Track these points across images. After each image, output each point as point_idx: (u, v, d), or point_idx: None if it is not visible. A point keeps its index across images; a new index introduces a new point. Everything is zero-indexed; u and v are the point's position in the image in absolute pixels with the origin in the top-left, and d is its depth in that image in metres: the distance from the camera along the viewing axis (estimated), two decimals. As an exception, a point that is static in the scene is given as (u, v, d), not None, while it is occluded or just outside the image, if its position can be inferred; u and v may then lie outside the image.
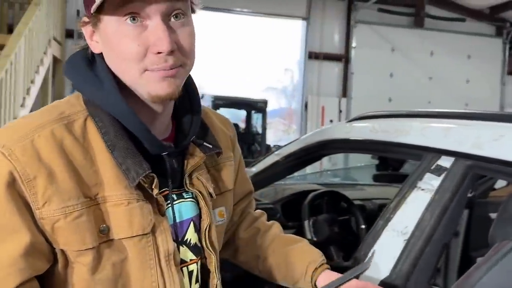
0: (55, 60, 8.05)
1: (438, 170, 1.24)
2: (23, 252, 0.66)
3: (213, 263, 0.85)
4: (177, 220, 0.80)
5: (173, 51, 0.70)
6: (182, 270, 0.80)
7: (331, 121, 10.54)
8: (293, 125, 11.79)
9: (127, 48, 0.69)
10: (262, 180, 1.99)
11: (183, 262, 0.81)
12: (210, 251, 0.85)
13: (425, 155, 1.30)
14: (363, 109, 9.06)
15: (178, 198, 0.82)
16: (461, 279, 0.97)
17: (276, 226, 1.13)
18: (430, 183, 1.23)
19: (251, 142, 9.16)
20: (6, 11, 8.48)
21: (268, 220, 2.10)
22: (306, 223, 2.00)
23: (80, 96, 0.76)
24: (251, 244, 1.08)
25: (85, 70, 0.75)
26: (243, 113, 9.81)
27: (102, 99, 0.73)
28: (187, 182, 0.82)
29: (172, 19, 0.71)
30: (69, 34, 8.70)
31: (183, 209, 0.82)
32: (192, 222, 0.83)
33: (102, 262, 0.71)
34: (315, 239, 2.00)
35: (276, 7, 10.28)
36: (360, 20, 10.35)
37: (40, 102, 7.43)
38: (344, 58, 10.62)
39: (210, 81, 9.61)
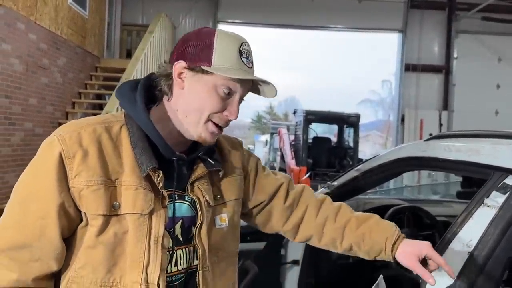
0: (165, 80, 8.88)
1: (504, 188, 1.31)
2: (57, 208, 0.92)
3: (199, 254, 1.05)
4: (175, 215, 1.02)
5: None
6: (168, 253, 1.00)
7: (430, 134, 9.98)
8: (390, 137, 11.39)
9: (214, 103, 0.98)
10: (341, 194, 2.12)
11: (168, 247, 1.01)
12: (197, 245, 1.04)
13: (493, 173, 1.37)
14: (466, 122, 8.59)
15: (179, 199, 1.04)
16: None
17: (344, 207, 1.27)
18: (496, 200, 1.30)
19: (342, 156, 9.12)
20: (125, 38, 9.65)
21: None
22: (386, 235, 2.10)
23: (123, 112, 1.04)
24: (326, 229, 1.24)
25: (127, 92, 1.04)
26: (335, 127, 9.81)
27: (134, 113, 1.01)
28: (189, 188, 1.05)
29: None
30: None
31: (180, 208, 1.04)
32: (181, 220, 1.04)
33: (107, 228, 0.94)
34: (394, 251, 2.09)
35: (371, 21, 10.22)
36: (462, 30, 9.84)
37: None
38: (444, 70, 10.16)
39: (306, 96, 9.84)
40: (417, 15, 10.04)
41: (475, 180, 2.27)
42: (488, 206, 1.31)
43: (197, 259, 1.05)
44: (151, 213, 0.97)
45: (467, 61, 9.86)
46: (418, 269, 1.10)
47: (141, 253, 0.96)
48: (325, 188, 2.21)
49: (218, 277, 1.09)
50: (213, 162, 1.08)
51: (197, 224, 1.05)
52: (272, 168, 11.47)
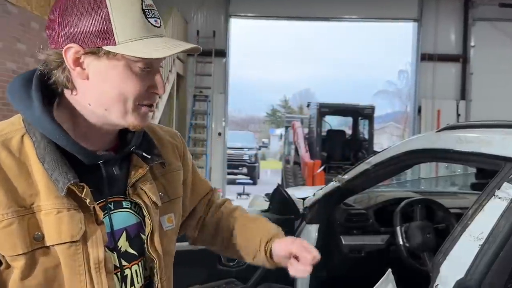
0: (178, 76, 8.97)
1: (516, 180, 1.29)
2: None
3: (155, 266, 0.89)
4: (114, 229, 0.84)
5: None
6: (117, 275, 0.84)
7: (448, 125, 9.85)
8: (408, 129, 11.25)
9: (135, 86, 0.79)
10: (353, 187, 2.11)
11: (116, 268, 0.84)
12: (153, 256, 0.89)
13: (505, 164, 1.34)
14: (484, 112, 8.39)
15: (115, 208, 0.85)
16: None
17: (239, 209, 1.18)
18: (507, 191, 1.27)
19: (357, 148, 9.05)
20: (138, 35, 9.69)
21: (361, 225, 2.23)
22: (398, 229, 2.09)
23: (21, 116, 0.81)
24: (218, 228, 1.13)
25: (19, 90, 0.80)
26: (350, 119, 9.75)
27: (31, 117, 0.78)
28: (130, 192, 0.87)
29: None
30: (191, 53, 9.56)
31: (119, 218, 0.85)
32: (125, 231, 0.86)
33: (35, 268, 0.75)
34: (407, 244, 2.07)
35: (385, 11, 10.06)
36: (479, 18, 9.60)
37: (168, 114, 8.35)
38: (461, 58, 9.95)
39: (321, 88, 9.77)
40: (432, 3, 9.84)
41: (489, 171, 2.23)
42: (499, 198, 1.29)
43: (147, 270, 0.91)
44: (84, 237, 0.78)
45: (485, 49, 9.63)
46: (289, 268, 1.01)
47: (82, 286, 0.78)
48: (335, 181, 2.20)
49: (168, 284, 0.96)
50: (153, 156, 0.91)
51: (147, 232, 0.88)
52: (287, 162, 11.45)
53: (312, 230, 2.26)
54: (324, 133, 9.20)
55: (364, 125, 9.30)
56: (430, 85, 10.03)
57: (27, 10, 5.72)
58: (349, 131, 9.93)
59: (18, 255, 0.74)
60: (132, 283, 0.87)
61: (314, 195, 2.32)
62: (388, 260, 2.25)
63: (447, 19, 9.93)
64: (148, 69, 0.81)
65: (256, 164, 15.37)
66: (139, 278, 0.88)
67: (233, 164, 13.55)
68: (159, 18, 0.81)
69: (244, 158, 14.85)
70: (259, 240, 1.07)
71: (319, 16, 10.60)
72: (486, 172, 2.31)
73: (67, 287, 0.78)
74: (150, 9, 0.79)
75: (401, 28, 10.55)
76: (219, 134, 10.11)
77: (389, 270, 1.37)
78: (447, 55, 9.98)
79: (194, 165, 1.13)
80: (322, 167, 8.05)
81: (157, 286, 0.91)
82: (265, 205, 2.41)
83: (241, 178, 13.63)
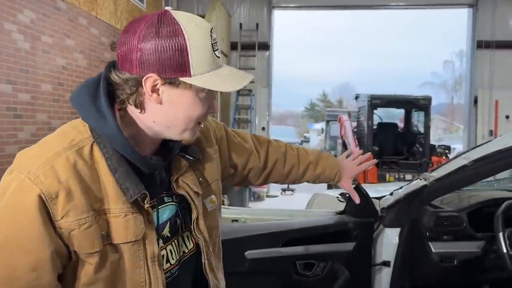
0: (222, 70, 8.83)
1: None
2: (50, 256, 0.83)
3: (201, 244, 1.04)
4: (160, 223, 0.98)
5: None
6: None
7: (507, 116, 9.33)
8: (455, 122, 10.62)
9: (200, 110, 0.91)
10: (444, 186, 1.84)
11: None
12: (198, 236, 1.03)
13: None
14: (547, 101, 7.64)
15: (159, 203, 0.98)
16: None
17: (301, 150, 1.47)
18: None
19: (411, 142, 8.58)
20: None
21: (453, 230, 1.97)
22: (500, 235, 1.81)
23: (86, 124, 0.90)
24: (292, 174, 1.44)
25: (89, 105, 0.88)
26: (397, 112, 9.26)
27: (106, 133, 0.87)
28: (175, 186, 0.99)
29: None
30: (233, 46, 9.45)
31: (163, 212, 0.99)
32: (169, 221, 1.00)
33: (106, 262, 0.88)
34: (511, 253, 1.79)
35: (437, -4, 9.53)
36: (544, -1, 8.91)
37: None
38: (522, 45, 9.28)
39: (361, 81, 9.34)
40: (491, -14, 9.22)
41: None
42: None
43: (185, 246, 1.05)
44: (143, 236, 0.92)
45: (549, 33, 8.93)
46: (352, 192, 1.54)
47: (142, 277, 0.93)
48: (421, 179, 1.94)
49: (216, 254, 1.11)
50: (191, 157, 1.03)
51: (194, 217, 1.02)
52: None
53: (392, 235, 2.01)
54: (374, 127, 8.78)
55: (417, 118, 8.80)
56: (487, 74, 9.45)
57: (75, 5, 5.72)
58: (400, 124, 9.44)
59: (95, 252, 0.87)
60: (168, 261, 1.00)
61: (391, 194, 2.08)
62: (486, 270, 1.97)
63: (506, 2, 9.30)
64: (209, 93, 0.92)
65: (298, 159, 15.11)
66: (173, 255, 1.02)
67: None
68: (219, 49, 0.91)
69: (286, 153, 14.62)
70: (335, 173, 1.48)
71: (364, 4, 10.19)
72: None
73: (129, 278, 0.92)
74: (215, 42, 0.89)
75: (450, 15, 10.00)
76: (263, 129, 9.95)
77: None
78: (506, 42, 9.37)
79: (228, 132, 1.26)
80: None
81: (204, 262, 1.05)
82: (334, 205, 2.18)
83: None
